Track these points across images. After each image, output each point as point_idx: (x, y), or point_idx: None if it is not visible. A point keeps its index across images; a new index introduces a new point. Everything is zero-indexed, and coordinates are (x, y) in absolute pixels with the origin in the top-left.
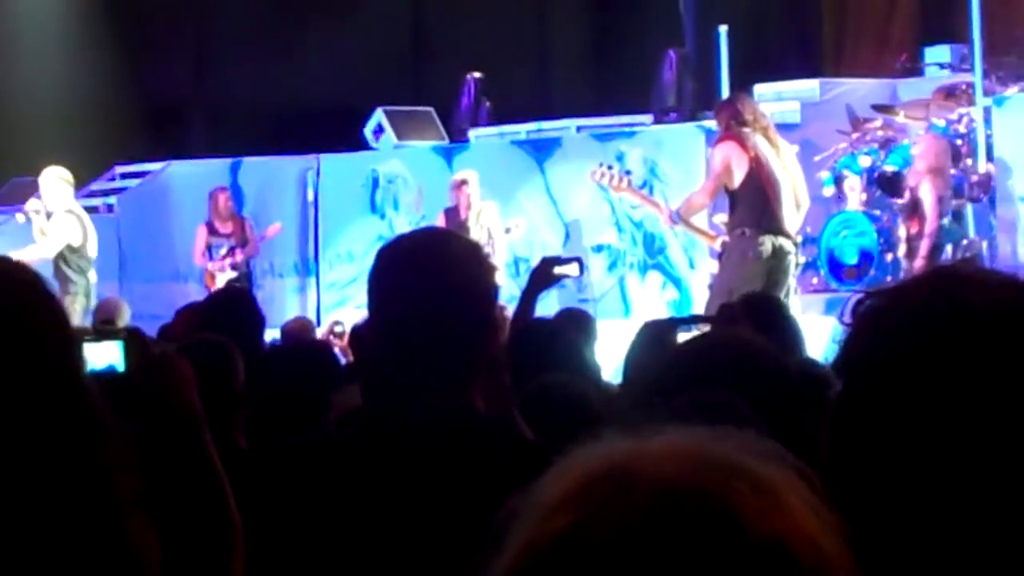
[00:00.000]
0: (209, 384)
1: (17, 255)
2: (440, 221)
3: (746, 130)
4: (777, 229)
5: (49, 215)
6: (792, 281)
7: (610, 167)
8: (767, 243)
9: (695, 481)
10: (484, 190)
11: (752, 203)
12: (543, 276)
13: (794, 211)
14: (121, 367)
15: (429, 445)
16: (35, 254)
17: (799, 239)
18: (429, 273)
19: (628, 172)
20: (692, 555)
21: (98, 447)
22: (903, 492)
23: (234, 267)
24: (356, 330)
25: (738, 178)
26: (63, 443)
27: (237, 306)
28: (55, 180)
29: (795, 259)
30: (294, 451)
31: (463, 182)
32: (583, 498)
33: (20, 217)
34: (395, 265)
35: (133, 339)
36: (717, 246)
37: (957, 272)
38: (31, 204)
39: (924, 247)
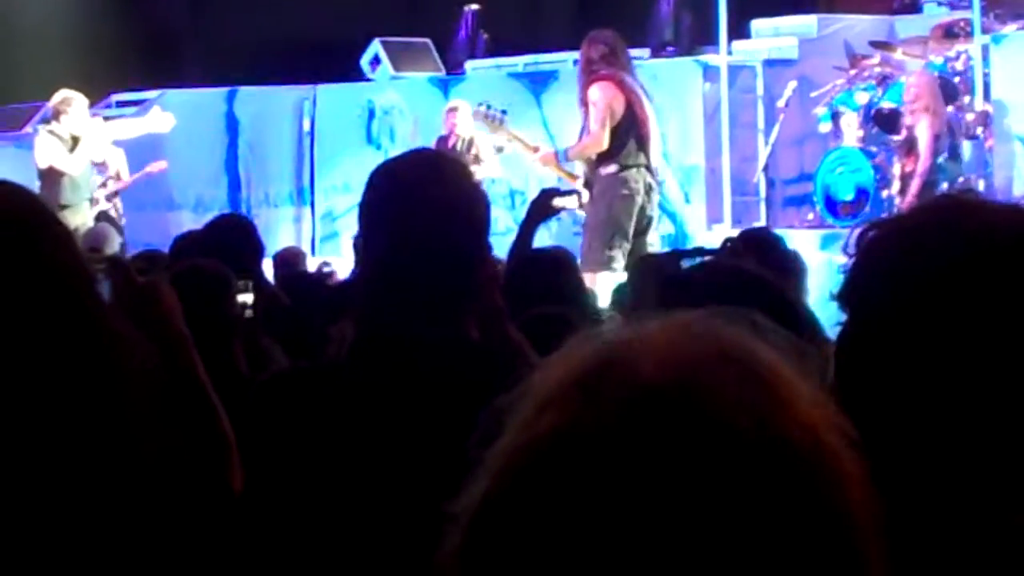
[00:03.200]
0: (205, 310)
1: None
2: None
3: (613, 68)
4: (647, 166)
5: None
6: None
7: (489, 107)
8: (640, 180)
9: (685, 373)
10: (479, 123)
11: (627, 141)
12: (541, 208)
13: (658, 148)
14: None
15: (419, 371)
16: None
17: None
18: (422, 196)
19: (504, 112)
20: (682, 453)
21: (112, 352)
22: (910, 420)
23: (107, 199)
24: (357, 240)
25: (616, 117)
26: (77, 355)
27: (236, 234)
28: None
29: (657, 195)
30: (285, 377)
31: (453, 109)
32: (571, 397)
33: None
34: (388, 188)
35: (117, 268)
36: (578, 186)
37: (959, 200)
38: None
39: (916, 185)
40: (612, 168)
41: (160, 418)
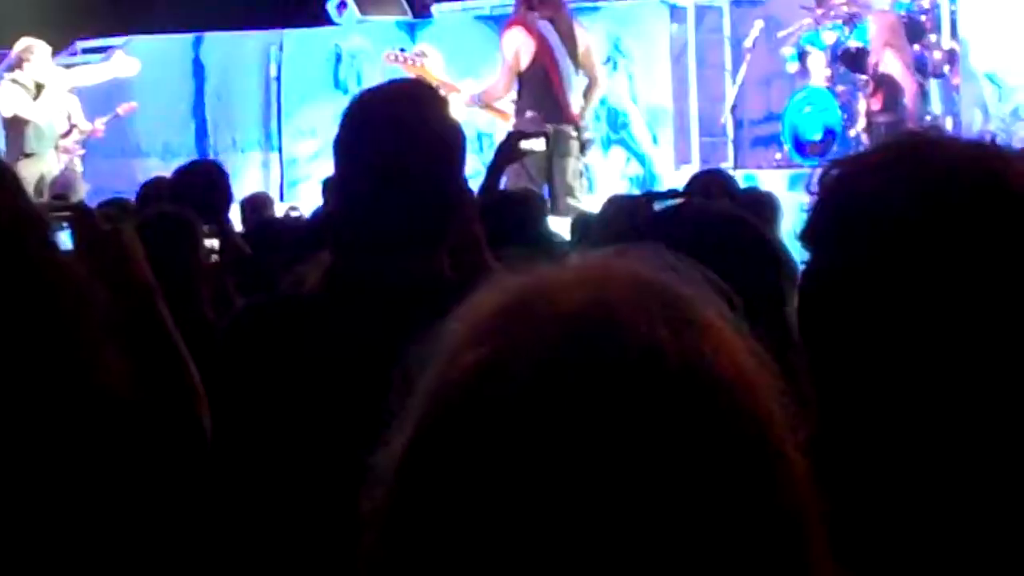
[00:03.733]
0: (171, 257)
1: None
2: None
3: (533, 14)
4: (558, 116)
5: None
6: (579, 164)
7: (402, 50)
8: (548, 128)
9: (607, 306)
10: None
11: (535, 88)
12: (509, 151)
13: (579, 97)
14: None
15: (391, 306)
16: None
17: (586, 122)
18: (398, 127)
19: (421, 54)
20: (606, 377)
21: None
22: (872, 359)
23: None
24: (326, 182)
25: (524, 63)
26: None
27: (205, 180)
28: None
29: (578, 142)
30: (255, 309)
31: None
32: (493, 332)
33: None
34: (364, 120)
35: (81, 216)
36: (511, 125)
37: (921, 138)
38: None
39: (883, 119)
40: (520, 115)
41: (120, 360)
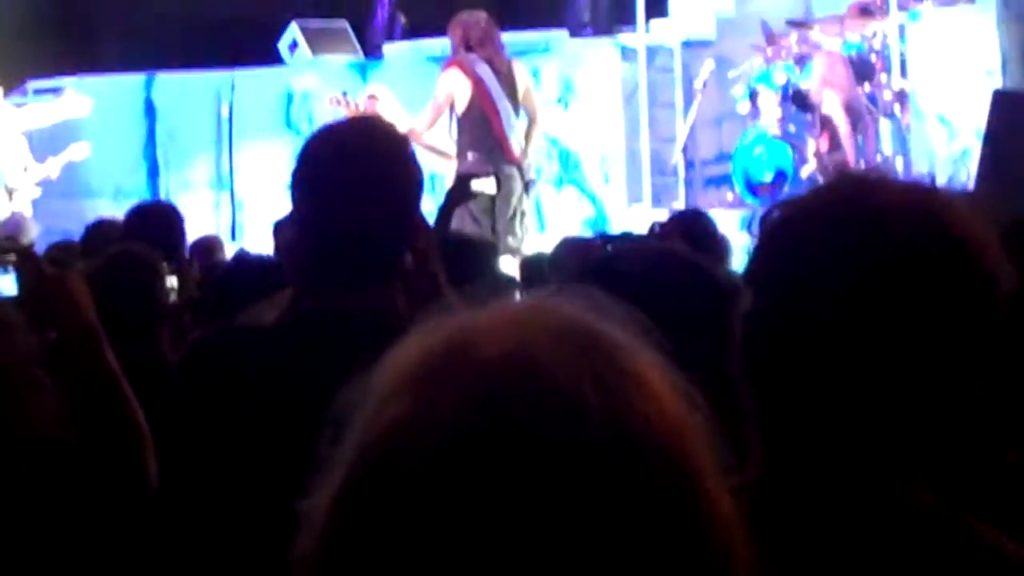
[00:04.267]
0: (132, 295)
1: None
2: None
3: (471, 55)
4: (499, 156)
5: None
6: (524, 203)
7: (344, 93)
8: (488, 169)
9: (532, 353)
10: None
11: (475, 130)
12: (460, 192)
13: (519, 138)
14: (17, 291)
15: (345, 339)
16: None
17: (528, 162)
18: (352, 165)
19: (372, 97)
20: (526, 430)
21: None
22: (813, 399)
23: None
24: (277, 225)
25: (461, 105)
26: None
27: (161, 220)
28: None
29: (520, 183)
30: (210, 341)
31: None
32: (415, 383)
33: None
34: (319, 155)
35: (26, 260)
36: (451, 166)
37: (859, 180)
38: None
39: (836, 159)
40: (464, 158)
41: (53, 403)
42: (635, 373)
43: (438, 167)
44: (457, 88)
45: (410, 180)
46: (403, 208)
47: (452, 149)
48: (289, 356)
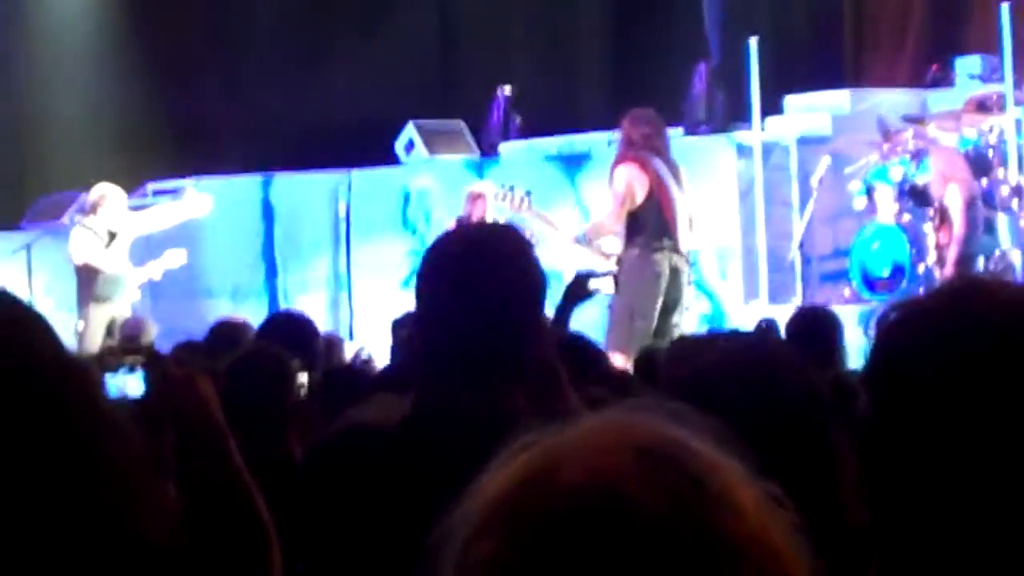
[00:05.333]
0: (262, 395)
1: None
2: None
3: (645, 151)
4: (673, 248)
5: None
6: (686, 296)
7: (511, 188)
8: (664, 262)
9: (612, 480)
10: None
11: (651, 224)
12: (578, 290)
13: (687, 230)
14: (144, 391)
15: (467, 442)
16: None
17: (690, 257)
18: (475, 271)
19: (529, 193)
20: (614, 566)
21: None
22: (931, 502)
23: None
24: (396, 324)
25: (639, 199)
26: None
27: (294, 322)
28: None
29: (688, 276)
30: (333, 443)
31: (479, 195)
32: (500, 519)
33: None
34: (443, 260)
35: (152, 361)
36: (611, 265)
37: (977, 284)
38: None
39: (953, 254)
40: (635, 251)
41: (169, 507)
42: (719, 490)
43: (555, 264)
44: (637, 182)
45: (534, 282)
46: (526, 310)
47: (610, 247)
48: (412, 457)
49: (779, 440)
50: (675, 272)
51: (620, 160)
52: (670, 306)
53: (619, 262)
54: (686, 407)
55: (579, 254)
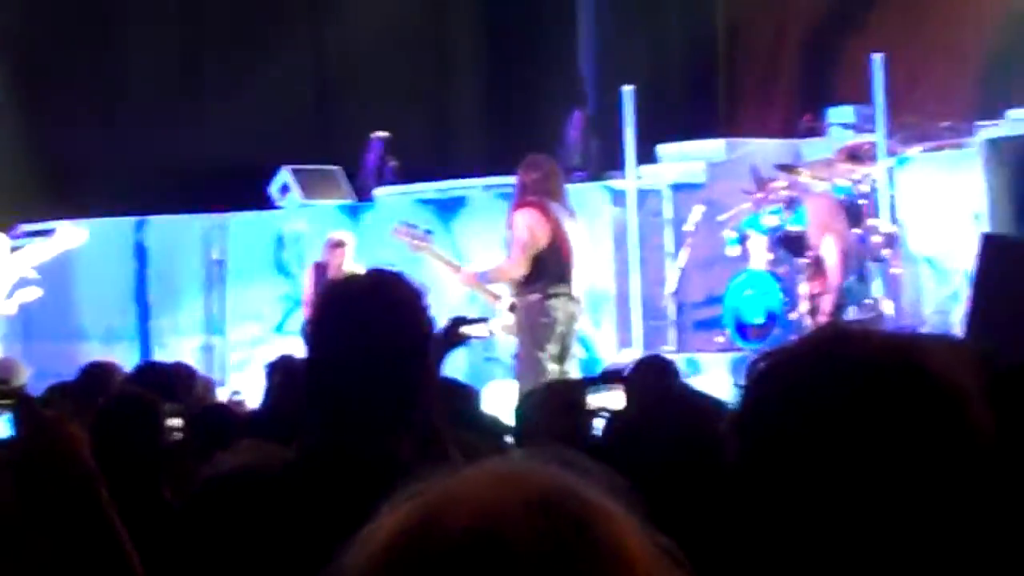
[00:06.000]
0: (132, 438)
1: None
2: (308, 276)
3: (543, 196)
4: (569, 294)
5: None
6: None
7: (412, 226)
8: (561, 308)
9: (499, 528)
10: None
11: (549, 269)
12: (452, 336)
13: (582, 276)
14: (11, 432)
15: (348, 488)
16: None
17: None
18: (367, 317)
19: (429, 232)
20: None
21: None
22: (795, 546)
23: None
24: (270, 367)
25: (541, 244)
26: None
27: (169, 368)
28: None
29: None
30: (213, 484)
31: (339, 243)
32: (387, 566)
33: None
34: (335, 305)
35: (22, 403)
36: (501, 307)
37: (846, 331)
38: None
39: (827, 304)
40: (534, 296)
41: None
42: (605, 538)
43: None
44: (538, 227)
45: (424, 331)
46: (416, 358)
47: (499, 289)
48: (297, 503)
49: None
50: (571, 318)
51: (519, 205)
52: (563, 353)
53: (512, 307)
54: (576, 454)
55: (474, 293)
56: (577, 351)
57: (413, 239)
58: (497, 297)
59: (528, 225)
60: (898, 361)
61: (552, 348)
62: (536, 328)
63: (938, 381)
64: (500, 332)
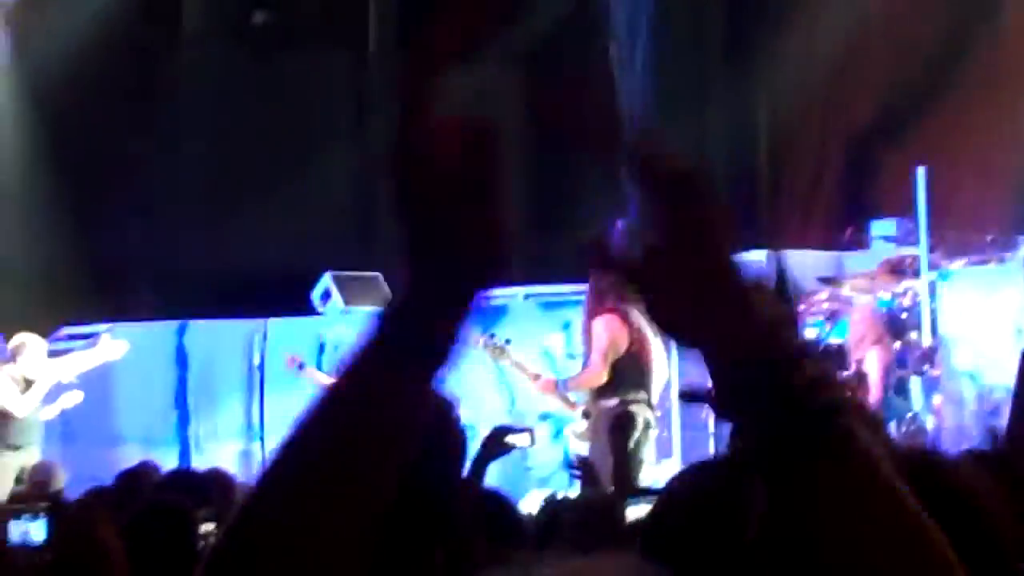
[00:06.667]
0: (165, 546)
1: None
2: None
3: (620, 301)
4: (648, 401)
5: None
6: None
7: (492, 336)
8: (639, 416)
9: None
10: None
11: (629, 377)
12: (494, 445)
13: (660, 382)
14: (45, 538)
15: None
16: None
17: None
18: None
19: (508, 342)
20: None
21: None
22: None
23: None
24: None
25: (618, 351)
26: None
27: (205, 472)
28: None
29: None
30: None
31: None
32: None
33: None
34: None
35: (56, 507)
36: (575, 414)
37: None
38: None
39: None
40: (612, 402)
41: None
42: None
43: (469, 417)
44: (618, 334)
45: (454, 441)
46: (447, 469)
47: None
48: None
49: None
50: (647, 427)
51: (597, 312)
52: (636, 460)
53: (586, 414)
54: (635, 560)
55: (550, 401)
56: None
57: (494, 349)
58: (573, 404)
59: (608, 332)
60: (917, 475)
61: (624, 454)
62: (611, 434)
63: (958, 496)
64: (574, 440)
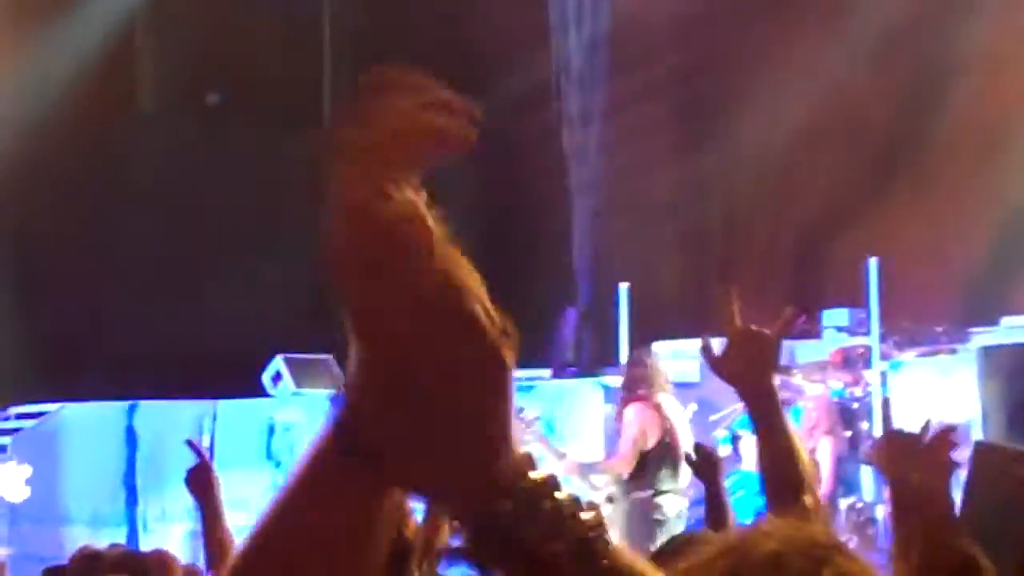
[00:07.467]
0: None
1: None
2: None
3: (655, 392)
4: (679, 490)
5: None
6: None
7: (520, 410)
8: (671, 506)
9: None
10: None
11: (661, 466)
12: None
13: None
14: None
15: None
16: None
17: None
18: None
19: (538, 419)
20: None
21: None
22: None
23: None
24: None
25: (651, 441)
26: None
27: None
28: None
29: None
30: None
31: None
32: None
33: None
34: None
35: None
36: (599, 498)
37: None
38: None
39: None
40: (646, 493)
41: None
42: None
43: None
44: (650, 423)
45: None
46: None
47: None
48: None
49: None
50: (678, 517)
51: (630, 400)
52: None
53: (610, 499)
54: None
55: (573, 482)
56: None
57: (525, 427)
58: (597, 488)
59: (640, 420)
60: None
61: (653, 544)
62: (645, 525)
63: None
64: None
